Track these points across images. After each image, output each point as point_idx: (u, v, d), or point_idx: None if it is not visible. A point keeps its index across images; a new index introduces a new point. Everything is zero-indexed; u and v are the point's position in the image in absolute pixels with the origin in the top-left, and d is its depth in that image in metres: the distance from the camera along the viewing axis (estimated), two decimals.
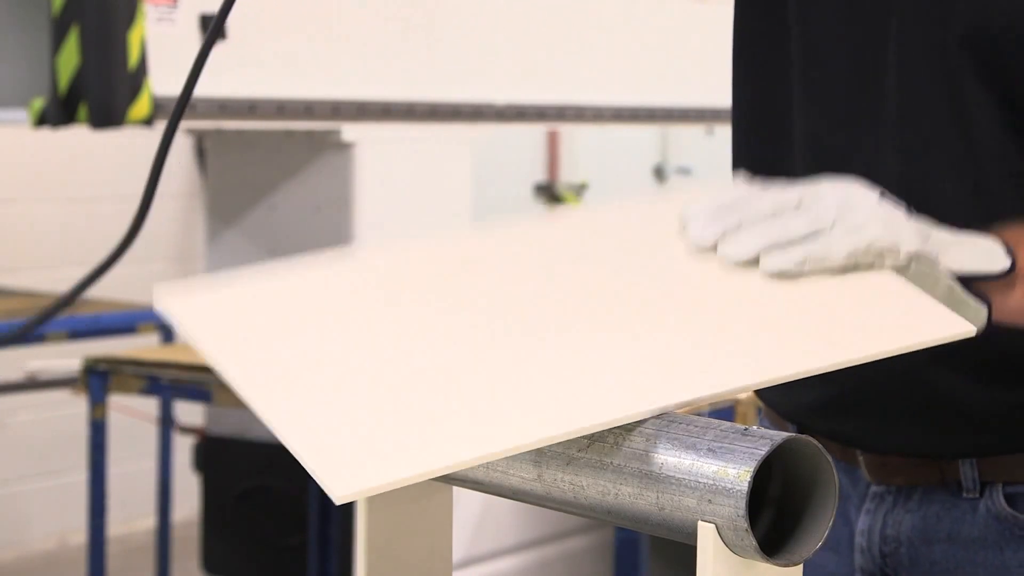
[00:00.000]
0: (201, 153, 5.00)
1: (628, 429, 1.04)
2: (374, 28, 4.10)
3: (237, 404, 1.21)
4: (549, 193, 6.60)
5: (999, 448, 1.45)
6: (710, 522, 0.99)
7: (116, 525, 5.17)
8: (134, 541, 5.67)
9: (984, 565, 1.46)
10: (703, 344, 1.12)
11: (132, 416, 4.91)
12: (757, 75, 1.54)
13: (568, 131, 6.44)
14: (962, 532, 1.47)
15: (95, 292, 5.34)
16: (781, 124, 1.50)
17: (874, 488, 1.51)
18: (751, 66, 1.54)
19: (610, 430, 1.05)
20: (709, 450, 1.01)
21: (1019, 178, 1.39)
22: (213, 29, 1.25)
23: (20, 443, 5.67)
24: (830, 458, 1.02)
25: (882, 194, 1.19)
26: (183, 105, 1.27)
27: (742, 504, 0.98)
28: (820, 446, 1.02)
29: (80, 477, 5.17)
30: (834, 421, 1.34)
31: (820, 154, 1.47)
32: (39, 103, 3.50)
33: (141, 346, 4.27)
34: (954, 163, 1.40)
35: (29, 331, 1.22)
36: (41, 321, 1.21)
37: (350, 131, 4.13)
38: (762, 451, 0.99)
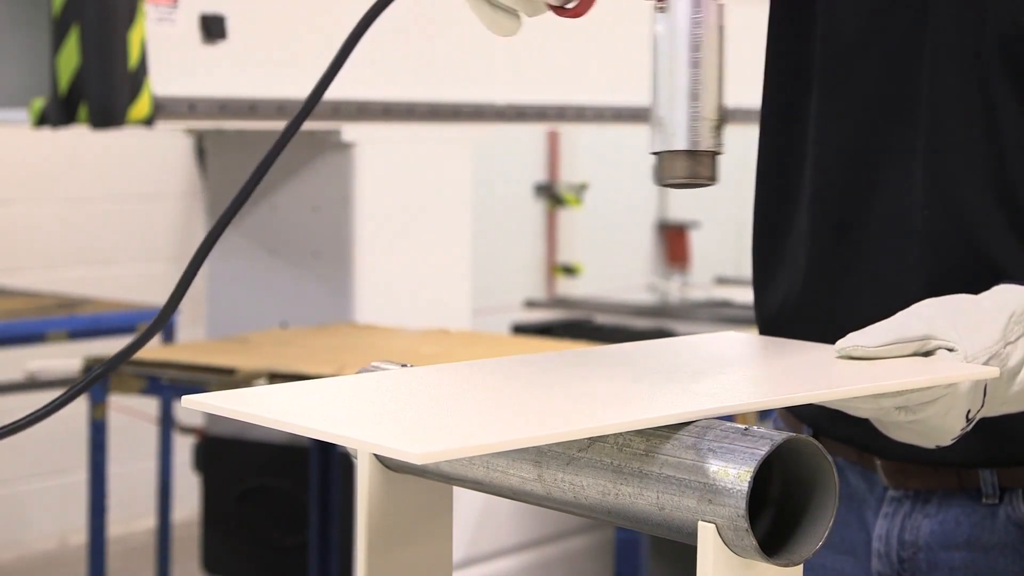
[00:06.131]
0: (201, 153, 5.00)
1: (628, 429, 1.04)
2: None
3: None
4: (549, 193, 6.59)
5: (1018, 459, 1.43)
6: (710, 522, 0.99)
7: (116, 525, 5.17)
8: (134, 541, 5.67)
9: (1004, 571, 1.44)
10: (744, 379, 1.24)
11: (132, 416, 4.91)
12: (780, 74, 1.53)
13: (568, 131, 6.43)
14: (982, 538, 1.45)
15: (95, 292, 5.34)
16: (800, 126, 1.49)
17: (891, 492, 1.50)
18: (775, 64, 1.53)
19: None
20: (709, 450, 1.01)
21: None
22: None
23: (20, 443, 5.67)
24: (830, 458, 1.02)
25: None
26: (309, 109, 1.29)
27: (742, 504, 0.98)
28: (820, 446, 1.02)
29: (80, 477, 5.17)
30: (851, 427, 1.33)
31: (837, 155, 1.46)
32: (39, 103, 3.50)
33: None
34: (982, 170, 1.39)
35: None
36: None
37: (350, 131, 4.13)
38: (762, 451, 0.99)
